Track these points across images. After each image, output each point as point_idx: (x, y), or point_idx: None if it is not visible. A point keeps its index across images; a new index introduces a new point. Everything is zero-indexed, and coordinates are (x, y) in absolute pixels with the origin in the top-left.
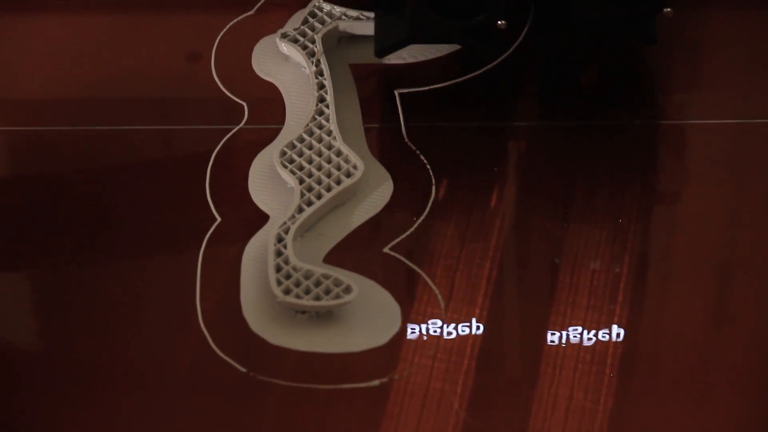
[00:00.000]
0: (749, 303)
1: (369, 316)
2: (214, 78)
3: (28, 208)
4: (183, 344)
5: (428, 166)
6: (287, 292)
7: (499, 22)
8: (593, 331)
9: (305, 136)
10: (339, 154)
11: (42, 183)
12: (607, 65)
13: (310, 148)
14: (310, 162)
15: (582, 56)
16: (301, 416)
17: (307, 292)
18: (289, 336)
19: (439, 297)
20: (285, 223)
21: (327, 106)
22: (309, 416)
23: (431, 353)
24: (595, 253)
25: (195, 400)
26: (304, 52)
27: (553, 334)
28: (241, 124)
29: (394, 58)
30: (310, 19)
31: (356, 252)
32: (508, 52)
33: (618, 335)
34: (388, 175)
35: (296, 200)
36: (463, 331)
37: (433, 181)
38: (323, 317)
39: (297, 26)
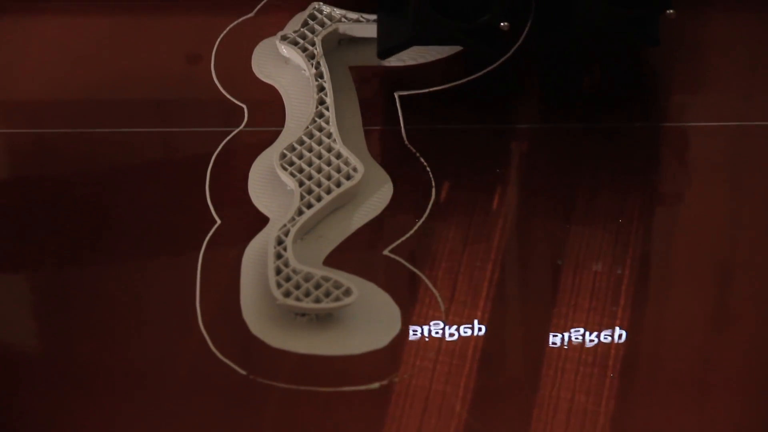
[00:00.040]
0: (750, 305)
1: (369, 319)
2: (214, 80)
3: (29, 209)
4: (183, 346)
5: (428, 169)
6: (287, 294)
7: (502, 24)
8: (595, 333)
9: (305, 138)
10: (339, 156)
11: (42, 185)
12: (608, 67)
13: (310, 150)
14: (310, 164)
15: (583, 58)
16: (301, 419)
17: (307, 294)
18: (289, 338)
19: (440, 300)
20: (285, 225)
21: (327, 109)
22: (309, 419)
23: (433, 355)
24: (597, 255)
25: (195, 402)
26: (304, 55)
27: (554, 336)
28: (241, 127)
29: (394, 61)
30: (310, 22)
31: (356, 254)
32: (509, 54)
33: (620, 337)
34: (388, 178)
35: (296, 202)
36: (464, 333)
37: (433, 184)
38: (323, 320)
39: (297, 28)
